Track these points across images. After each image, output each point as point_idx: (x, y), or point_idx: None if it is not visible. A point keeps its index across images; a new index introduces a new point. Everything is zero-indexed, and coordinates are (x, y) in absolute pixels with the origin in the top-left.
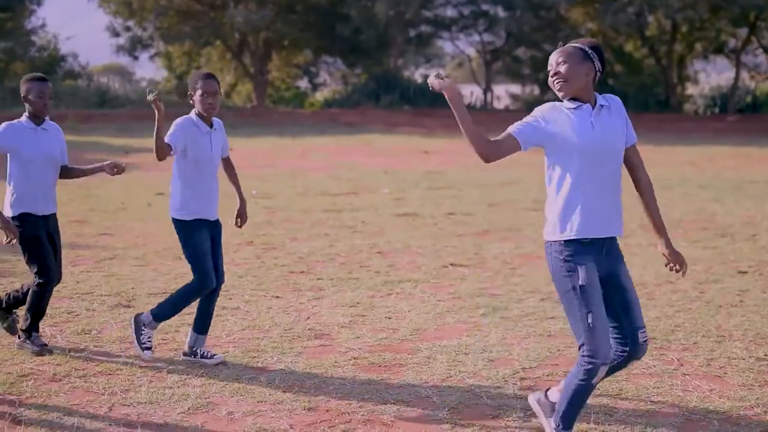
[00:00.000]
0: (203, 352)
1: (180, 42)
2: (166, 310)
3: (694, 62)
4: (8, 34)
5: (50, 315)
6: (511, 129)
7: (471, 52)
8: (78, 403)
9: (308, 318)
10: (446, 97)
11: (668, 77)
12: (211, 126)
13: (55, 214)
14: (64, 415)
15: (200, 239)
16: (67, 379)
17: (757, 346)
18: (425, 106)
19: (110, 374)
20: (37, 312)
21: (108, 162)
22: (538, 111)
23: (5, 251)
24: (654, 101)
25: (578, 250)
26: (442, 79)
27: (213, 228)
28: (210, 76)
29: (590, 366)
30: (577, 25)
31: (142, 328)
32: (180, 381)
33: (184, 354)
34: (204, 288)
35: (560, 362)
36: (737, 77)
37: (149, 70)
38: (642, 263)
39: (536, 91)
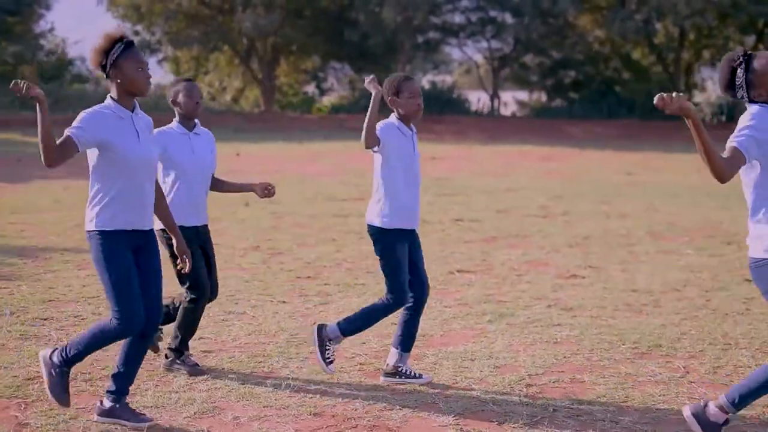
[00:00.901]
0: (407, 371)
1: (188, 47)
2: (354, 325)
3: (701, 70)
4: (17, 38)
5: (56, 318)
6: (734, 143)
7: (479, 58)
8: (84, 407)
9: (314, 324)
10: (686, 117)
11: (676, 85)
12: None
13: (206, 225)
14: (70, 419)
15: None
16: (73, 382)
17: (763, 354)
18: (434, 113)
19: None
20: (188, 330)
21: (260, 183)
22: (754, 120)
23: (10, 254)
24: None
25: None
26: None
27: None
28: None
29: None
30: (585, 32)
31: (327, 343)
32: (186, 385)
33: (386, 374)
34: None
35: (566, 369)
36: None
37: (157, 74)
38: (650, 270)
39: (543, 97)
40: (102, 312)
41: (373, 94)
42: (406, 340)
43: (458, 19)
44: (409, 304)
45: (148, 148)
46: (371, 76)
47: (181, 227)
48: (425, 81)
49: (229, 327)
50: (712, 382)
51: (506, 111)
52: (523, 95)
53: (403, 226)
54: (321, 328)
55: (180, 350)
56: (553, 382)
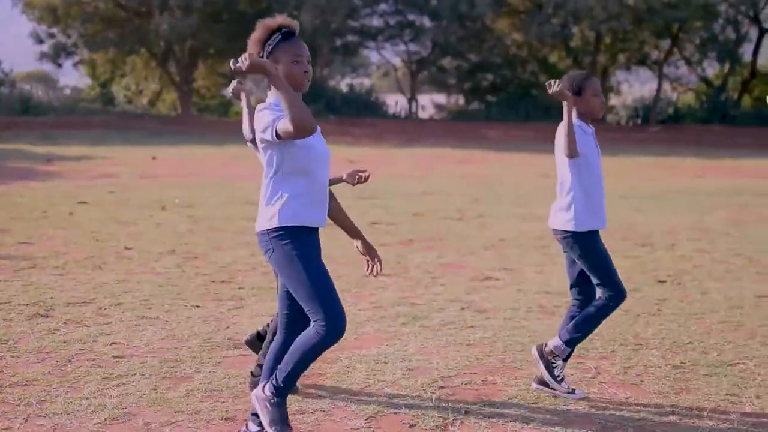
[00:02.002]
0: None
1: (104, 49)
2: (577, 333)
3: (617, 73)
4: None
5: None
6: None
7: (397, 61)
8: None
9: (228, 328)
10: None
11: None
12: None
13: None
14: None
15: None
16: None
17: (673, 354)
18: (351, 116)
19: (26, 385)
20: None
21: (350, 172)
22: None
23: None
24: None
25: None
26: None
27: None
28: None
29: None
30: (503, 36)
31: (553, 360)
32: (97, 391)
33: (539, 382)
34: None
35: (479, 371)
36: (659, 88)
37: (73, 77)
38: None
39: (461, 100)
40: (13, 318)
41: (565, 103)
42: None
43: (376, 22)
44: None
45: (324, 142)
46: (560, 84)
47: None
48: (343, 84)
49: (142, 332)
50: (622, 383)
51: (424, 114)
52: (441, 98)
53: (598, 226)
54: (540, 348)
55: None
56: (466, 383)
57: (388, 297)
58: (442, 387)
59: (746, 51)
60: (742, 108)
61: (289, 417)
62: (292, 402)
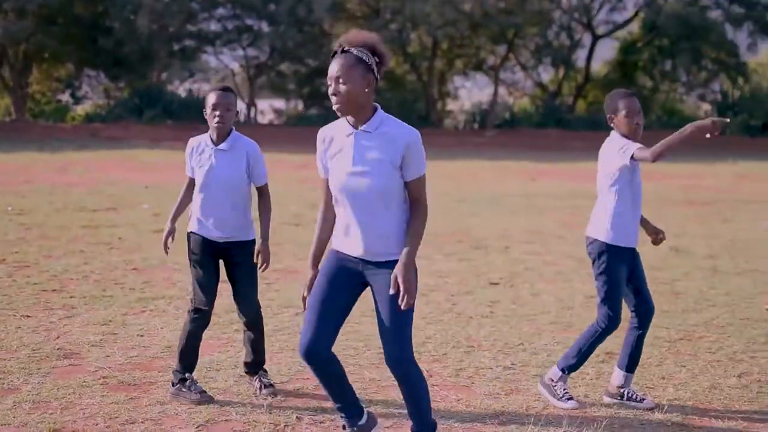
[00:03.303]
0: (631, 394)
1: None
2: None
3: (454, 79)
4: None
5: None
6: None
7: (235, 66)
8: None
9: (58, 337)
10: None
11: (429, 93)
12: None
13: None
14: None
15: None
16: None
17: (504, 355)
18: (188, 121)
19: None
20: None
21: None
22: None
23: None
24: (416, 117)
25: None
26: None
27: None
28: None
29: None
30: None
31: (554, 385)
32: None
33: (609, 395)
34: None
35: (311, 377)
36: (496, 93)
37: None
38: None
39: (300, 106)
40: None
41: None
42: (632, 360)
43: (214, 27)
44: (635, 325)
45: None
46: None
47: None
48: (181, 89)
49: None
50: (454, 385)
51: (263, 119)
52: (280, 103)
53: (628, 244)
54: (541, 379)
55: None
56: (298, 389)
57: (220, 303)
58: (274, 393)
59: (580, 57)
60: (576, 112)
61: (119, 427)
62: (121, 411)
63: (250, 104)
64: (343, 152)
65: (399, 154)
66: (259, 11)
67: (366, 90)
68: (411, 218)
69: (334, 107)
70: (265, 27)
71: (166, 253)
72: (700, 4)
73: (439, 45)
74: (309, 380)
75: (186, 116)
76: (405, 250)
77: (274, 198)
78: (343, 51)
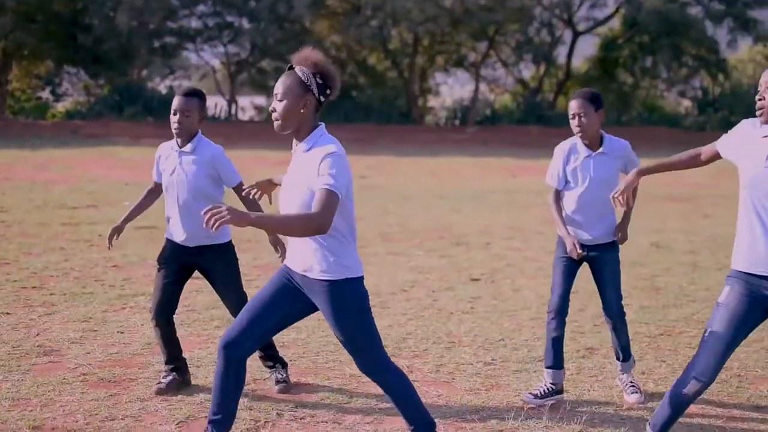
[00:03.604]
0: (625, 384)
1: None
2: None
3: (435, 75)
4: None
5: None
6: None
7: (216, 63)
8: None
9: (38, 334)
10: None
11: (410, 90)
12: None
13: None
14: None
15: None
16: None
17: (485, 351)
18: (168, 118)
19: None
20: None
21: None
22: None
23: None
24: (397, 113)
25: None
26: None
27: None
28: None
29: None
30: (322, 38)
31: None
32: None
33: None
34: None
35: (292, 372)
36: (477, 90)
37: None
38: (379, 272)
39: None
40: None
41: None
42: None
43: (195, 24)
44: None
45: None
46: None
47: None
48: (162, 86)
49: None
50: (434, 380)
51: (244, 116)
52: (260, 100)
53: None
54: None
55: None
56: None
57: (201, 300)
58: (255, 390)
59: (561, 53)
60: (557, 109)
61: (99, 424)
62: (102, 409)
63: (231, 101)
64: (290, 170)
65: (315, 169)
66: (239, 8)
67: (302, 111)
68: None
69: (275, 124)
70: (245, 24)
71: (109, 247)
72: (680, 1)
73: (420, 41)
74: (291, 375)
75: (167, 113)
76: (266, 217)
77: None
78: (289, 68)
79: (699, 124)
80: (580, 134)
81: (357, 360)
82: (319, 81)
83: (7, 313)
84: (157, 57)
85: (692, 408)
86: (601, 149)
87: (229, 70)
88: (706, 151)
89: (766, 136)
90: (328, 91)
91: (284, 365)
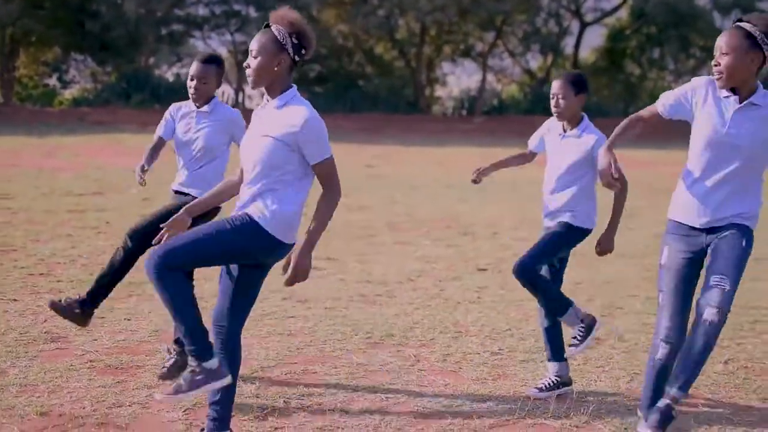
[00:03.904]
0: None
1: None
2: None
3: (442, 65)
4: None
5: None
6: None
7: (223, 51)
8: None
9: (45, 321)
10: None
11: (417, 79)
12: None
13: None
14: None
15: None
16: None
17: (492, 341)
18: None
19: None
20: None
21: None
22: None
23: None
24: (404, 103)
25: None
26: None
27: None
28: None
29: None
30: (329, 27)
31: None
32: None
33: None
34: None
35: (299, 360)
36: (484, 80)
37: None
38: (386, 261)
39: None
40: None
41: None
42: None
43: (202, 11)
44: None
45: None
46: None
47: None
48: (169, 74)
49: None
50: (441, 370)
51: (251, 104)
52: None
53: None
54: None
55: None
56: (285, 373)
57: (208, 288)
58: (262, 377)
59: (568, 44)
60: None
61: (106, 411)
62: (108, 395)
63: (238, 89)
64: (254, 123)
65: (294, 132)
66: None
67: (275, 68)
68: (321, 201)
69: (248, 79)
70: (252, 12)
71: (141, 182)
72: None
73: (428, 31)
74: (296, 364)
75: (174, 100)
76: (306, 235)
77: None
78: (266, 26)
79: None
80: (557, 115)
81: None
82: (295, 41)
83: (15, 300)
84: (164, 44)
85: (698, 399)
86: (575, 131)
87: (236, 59)
88: (647, 115)
89: (725, 97)
90: (303, 51)
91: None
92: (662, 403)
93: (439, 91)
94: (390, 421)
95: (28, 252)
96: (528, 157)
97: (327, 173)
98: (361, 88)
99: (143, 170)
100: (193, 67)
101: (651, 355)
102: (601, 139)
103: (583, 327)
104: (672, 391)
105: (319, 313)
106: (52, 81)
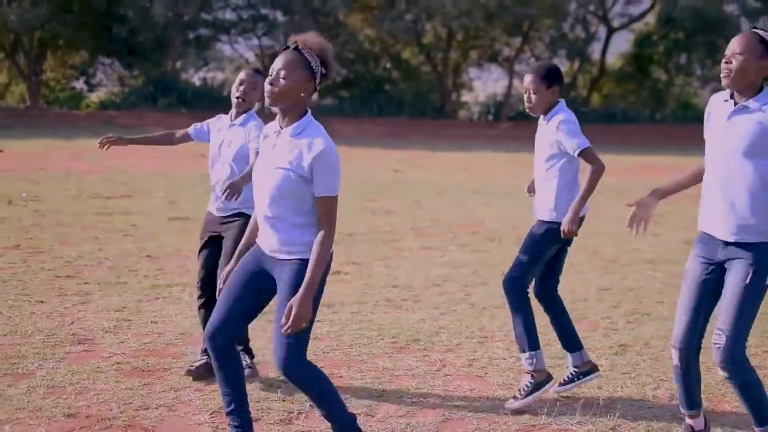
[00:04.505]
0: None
1: None
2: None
3: (469, 70)
4: None
5: None
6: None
7: (250, 56)
8: None
9: (72, 323)
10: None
11: (444, 84)
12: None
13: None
14: None
15: None
16: None
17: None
18: (202, 109)
19: None
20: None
21: None
22: None
23: None
24: (430, 108)
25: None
26: None
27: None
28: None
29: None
30: (356, 31)
31: None
32: None
33: None
34: None
35: (325, 364)
36: (510, 85)
37: None
38: (412, 266)
39: (314, 95)
40: None
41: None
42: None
43: (229, 15)
44: None
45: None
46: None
47: None
48: (196, 78)
49: None
50: (467, 375)
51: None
52: None
53: None
54: None
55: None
56: None
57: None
58: (288, 382)
59: (595, 49)
60: (591, 105)
61: (132, 413)
62: (135, 397)
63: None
64: (266, 150)
65: (308, 163)
66: (273, 1)
67: (302, 93)
68: (315, 241)
69: (266, 98)
70: (279, 17)
71: (101, 145)
72: None
73: (454, 36)
74: (322, 368)
75: (200, 105)
76: (306, 278)
77: None
78: (294, 49)
79: None
80: (528, 111)
81: (278, 354)
82: (323, 70)
83: (42, 302)
84: (191, 48)
85: (726, 406)
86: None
87: (263, 63)
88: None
89: (727, 100)
90: (324, 80)
91: (250, 355)
92: None
93: (466, 96)
94: (415, 426)
95: (56, 254)
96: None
97: (328, 210)
98: (388, 93)
99: (118, 139)
100: (243, 74)
101: (671, 359)
102: (567, 118)
103: (532, 382)
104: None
105: (345, 318)
106: (80, 84)
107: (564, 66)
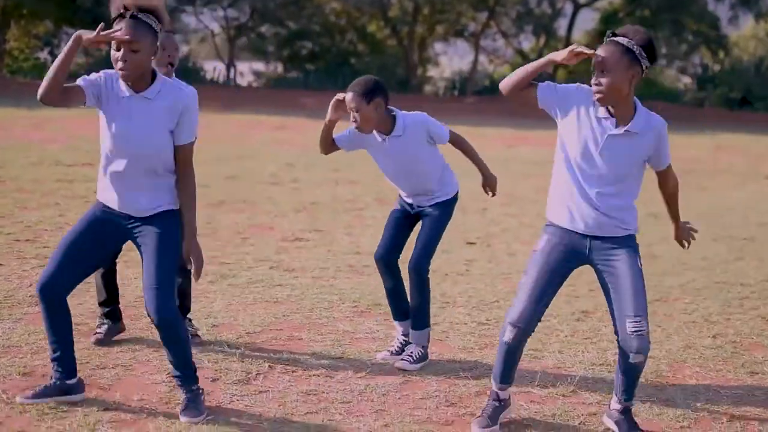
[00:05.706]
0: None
1: None
2: None
3: (435, 45)
4: None
5: None
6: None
7: (215, 27)
8: None
9: (30, 285)
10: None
11: (410, 59)
12: None
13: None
14: None
15: None
16: None
17: (479, 311)
18: None
19: None
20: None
21: None
22: None
23: None
24: (396, 82)
25: None
26: None
27: None
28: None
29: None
30: (322, 4)
31: None
32: None
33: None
34: None
35: (285, 327)
36: (476, 60)
37: None
38: (375, 234)
39: (280, 68)
40: None
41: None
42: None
43: None
44: None
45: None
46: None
47: None
48: None
49: None
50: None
51: (243, 81)
52: (259, 66)
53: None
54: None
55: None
56: (271, 339)
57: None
58: (247, 343)
59: (561, 26)
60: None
61: (89, 372)
62: (93, 357)
63: (230, 66)
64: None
65: (174, 119)
66: None
67: (153, 58)
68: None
69: (122, 74)
70: None
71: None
72: None
73: (421, 10)
74: (282, 331)
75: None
76: (186, 221)
77: (253, 159)
78: (132, 17)
79: (698, 101)
80: (358, 131)
81: (156, 303)
82: (161, 26)
83: (1, 264)
84: None
85: (687, 371)
86: (393, 132)
87: (228, 35)
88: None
89: (604, 118)
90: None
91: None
92: (620, 415)
93: (431, 71)
94: (375, 387)
95: (15, 219)
96: None
97: (188, 155)
98: (353, 66)
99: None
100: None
101: (501, 336)
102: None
103: (423, 351)
104: (621, 401)
105: (306, 282)
106: (44, 55)
107: (530, 42)
